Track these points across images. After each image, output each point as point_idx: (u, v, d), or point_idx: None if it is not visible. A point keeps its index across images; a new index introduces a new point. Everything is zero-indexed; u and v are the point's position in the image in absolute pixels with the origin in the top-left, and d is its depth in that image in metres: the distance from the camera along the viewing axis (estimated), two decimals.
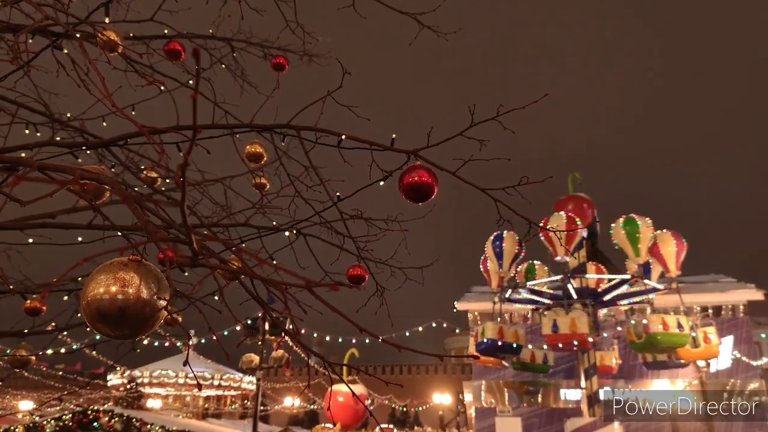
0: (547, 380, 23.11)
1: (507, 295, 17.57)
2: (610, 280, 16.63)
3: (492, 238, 17.16)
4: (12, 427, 15.74)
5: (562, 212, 15.85)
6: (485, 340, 16.16)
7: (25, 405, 27.42)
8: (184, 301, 2.65)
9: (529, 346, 18.13)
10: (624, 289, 16.77)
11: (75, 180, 1.49)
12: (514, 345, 16.33)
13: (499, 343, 16.05)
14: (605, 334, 18.78)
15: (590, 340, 15.98)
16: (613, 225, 16.06)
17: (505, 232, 16.73)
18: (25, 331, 3.83)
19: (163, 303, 1.34)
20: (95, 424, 15.03)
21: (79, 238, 3.27)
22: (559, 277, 16.83)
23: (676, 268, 15.81)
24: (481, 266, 17.85)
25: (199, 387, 28.86)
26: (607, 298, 17.10)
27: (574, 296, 16.84)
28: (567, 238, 15.65)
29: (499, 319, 17.21)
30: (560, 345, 16.18)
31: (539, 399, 26.97)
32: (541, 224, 16.32)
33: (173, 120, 2.71)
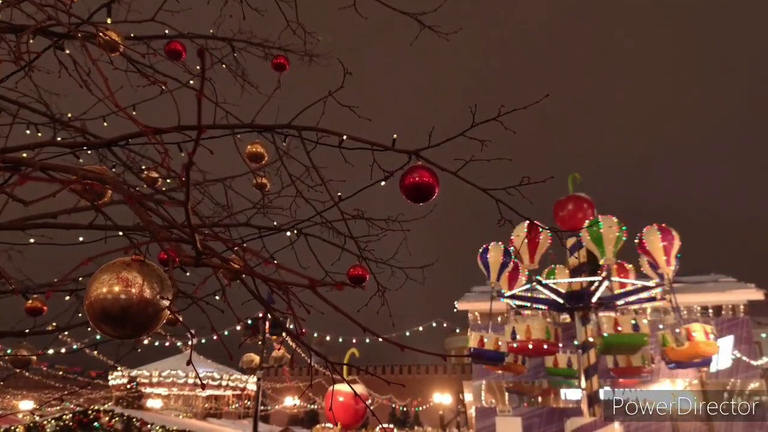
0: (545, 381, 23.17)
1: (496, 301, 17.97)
2: (589, 283, 16.63)
3: (480, 251, 17.50)
4: (12, 427, 15.74)
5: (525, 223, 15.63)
6: (471, 349, 16.42)
7: (26, 405, 27.42)
8: (185, 300, 2.65)
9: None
10: (629, 291, 16.72)
11: (77, 180, 1.49)
12: (497, 352, 16.45)
13: (483, 351, 16.30)
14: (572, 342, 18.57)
15: (545, 347, 16.00)
16: (582, 230, 16.09)
17: (492, 243, 17.20)
18: (26, 331, 3.84)
19: (165, 303, 1.34)
20: (95, 423, 15.02)
21: (81, 238, 3.26)
22: (526, 286, 17.00)
23: (666, 263, 15.41)
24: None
25: (203, 387, 28.92)
26: (596, 300, 17.07)
27: (558, 300, 17.03)
28: (530, 248, 15.96)
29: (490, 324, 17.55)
30: (530, 347, 16.28)
31: (539, 399, 26.98)
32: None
33: (174, 119, 2.71)
